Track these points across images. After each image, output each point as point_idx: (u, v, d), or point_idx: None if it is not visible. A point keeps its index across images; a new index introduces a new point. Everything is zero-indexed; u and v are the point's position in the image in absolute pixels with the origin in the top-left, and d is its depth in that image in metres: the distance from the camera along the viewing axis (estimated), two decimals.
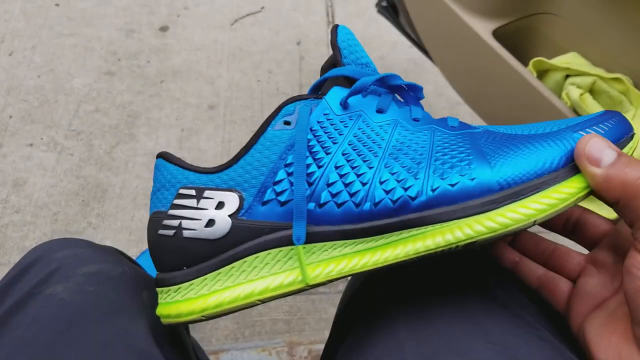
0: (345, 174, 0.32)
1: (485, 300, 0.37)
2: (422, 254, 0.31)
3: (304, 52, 1.44)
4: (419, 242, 0.31)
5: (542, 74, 0.75)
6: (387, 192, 0.32)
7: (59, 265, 0.43)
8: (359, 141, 0.33)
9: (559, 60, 0.73)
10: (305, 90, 1.35)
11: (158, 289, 0.35)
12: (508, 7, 0.77)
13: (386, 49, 1.43)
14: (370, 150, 0.33)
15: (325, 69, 0.38)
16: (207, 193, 0.33)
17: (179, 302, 0.33)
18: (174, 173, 0.34)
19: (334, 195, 0.32)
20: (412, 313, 0.37)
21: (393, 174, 0.32)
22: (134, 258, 1.03)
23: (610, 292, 0.35)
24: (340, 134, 0.33)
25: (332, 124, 0.33)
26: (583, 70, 0.70)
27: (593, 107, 0.67)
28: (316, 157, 0.32)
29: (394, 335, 0.35)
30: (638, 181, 0.28)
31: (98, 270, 0.43)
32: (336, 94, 0.34)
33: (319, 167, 0.32)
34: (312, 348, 0.99)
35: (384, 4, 1.12)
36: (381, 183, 0.32)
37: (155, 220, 0.34)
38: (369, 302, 0.42)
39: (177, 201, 0.33)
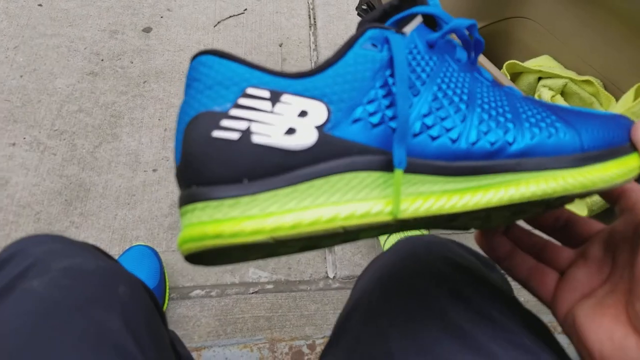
0: (441, 107, 0.30)
1: (468, 313, 0.40)
2: (516, 201, 0.30)
3: (286, 54, 1.46)
4: (512, 188, 0.30)
5: (515, 76, 0.78)
6: (484, 134, 0.31)
7: (35, 261, 0.43)
8: (450, 82, 0.31)
9: (532, 63, 0.76)
10: None
11: (191, 206, 0.27)
12: (483, 10, 0.79)
13: None
14: (462, 92, 0.31)
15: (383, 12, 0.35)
16: (285, 97, 0.28)
17: (235, 219, 0.26)
18: (238, 71, 0.28)
19: (429, 127, 0.30)
20: (403, 327, 0.39)
21: (490, 117, 0.31)
22: (116, 257, 1.04)
23: (599, 283, 0.37)
24: (431, 70, 0.31)
25: (422, 59, 0.31)
26: (555, 72, 0.73)
27: None
28: (416, 85, 0.30)
29: (385, 347, 0.38)
30: None
31: (73, 265, 0.43)
32: (423, 31, 0.32)
33: (414, 95, 0.30)
34: (293, 344, 1.01)
35: (364, 6, 1.14)
36: (479, 123, 0.31)
37: (207, 120, 0.27)
38: (366, 314, 0.44)
39: (243, 101, 0.27)
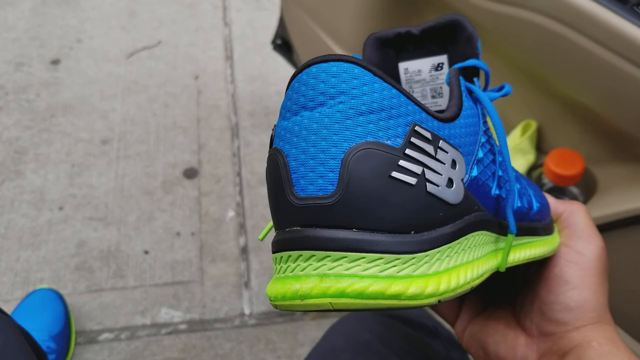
0: (504, 171, 0.31)
1: None
2: (536, 258, 0.35)
3: (202, 86, 1.44)
4: (537, 249, 0.35)
5: None
6: (529, 197, 0.35)
7: None
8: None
9: None
10: (203, 125, 1.35)
11: (354, 255, 0.24)
12: None
13: (283, 84, 1.46)
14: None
15: (382, 37, 0.34)
16: (442, 144, 0.25)
17: (412, 278, 0.24)
18: (401, 100, 0.25)
19: (523, 199, 0.34)
20: None
21: (522, 182, 0.36)
22: (17, 302, 0.99)
23: (483, 305, 0.42)
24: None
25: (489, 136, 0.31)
26: None
27: None
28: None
29: None
30: (575, 205, 0.40)
31: None
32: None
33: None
34: None
35: (279, 42, 1.15)
36: (524, 188, 0.35)
37: (385, 157, 0.24)
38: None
39: (414, 140, 0.25)
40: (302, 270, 0.24)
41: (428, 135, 0.25)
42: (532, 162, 0.71)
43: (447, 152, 0.26)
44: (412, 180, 0.24)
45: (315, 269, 0.24)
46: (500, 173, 0.30)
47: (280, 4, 1.02)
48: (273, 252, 0.26)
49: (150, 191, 1.21)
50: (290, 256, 0.25)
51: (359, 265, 0.23)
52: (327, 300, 0.23)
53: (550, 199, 0.41)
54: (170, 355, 1.00)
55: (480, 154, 0.28)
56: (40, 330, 0.91)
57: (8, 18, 1.53)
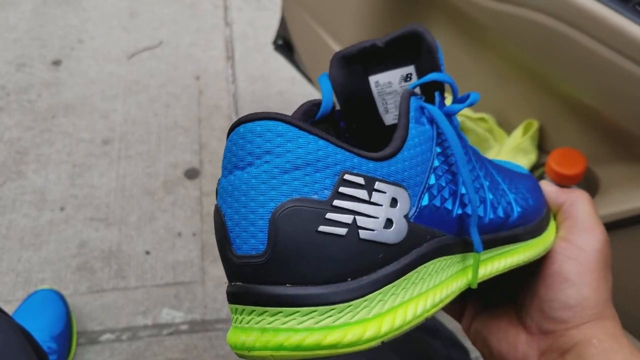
0: (477, 177, 0.32)
1: None
2: (522, 263, 0.35)
3: (203, 86, 1.44)
4: (521, 254, 0.35)
5: None
6: (507, 204, 0.35)
7: None
8: (469, 152, 0.32)
9: None
10: (204, 125, 1.35)
11: (289, 310, 0.25)
12: None
13: (285, 85, 1.46)
14: (477, 159, 0.33)
15: (346, 56, 0.34)
16: (378, 185, 0.26)
17: (349, 325, 0.24)
18: (329, 150, 0.25)
19: (492, 209, 0.33)
20: None
21: (497, 184, 0.35)
22: (19, 302, 0.99)
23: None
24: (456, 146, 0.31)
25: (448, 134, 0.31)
26: None
27: None
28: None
29: None
30: (577, 193, 0.39)
31: None
32: (440, 101, 0.32)
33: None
34: None
35: (280, 42, 1.15)
36: (510, 192, 0.35)
37: (309, 211, 0.24)
38: None
39: (343, 189, 0.25)
40: (247, 324, 0.25)
41: (360, 180, 0.25)
42: (534, 161, 0.70)
43: (384, 192, 0.26)
44: (342, 231, 0.24)
45: (257, 323, 0.25)
46: (463, 191, 0.30)
47: (281, 4, 1.01)
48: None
49: (152, 191, 1.21)
50: (236, 309, 0.26)
51: (295, 319, 0.24)
52: (268, 353, 0.24)
53: (551, 188, 0.40)
54: (172, 355, 1.00)
55: (432, 180, 0.28)
56: (42, 331, 0.91)
57: (9, 18, 1.53)
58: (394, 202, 0.26)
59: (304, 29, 0.93)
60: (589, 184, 0.66)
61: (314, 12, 0.87)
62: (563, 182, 0.64)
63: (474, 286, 0.30)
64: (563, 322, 0.34)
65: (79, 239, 1.13)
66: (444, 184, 0.29)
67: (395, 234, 0.26)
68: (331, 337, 0.24)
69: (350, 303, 0.25)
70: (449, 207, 0.29)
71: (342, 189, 0.25)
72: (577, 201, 0.38)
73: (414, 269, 0.27)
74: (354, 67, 0.33)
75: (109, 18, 1.58)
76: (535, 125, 0.70)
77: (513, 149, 0.69)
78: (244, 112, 1.38)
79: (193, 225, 1.17)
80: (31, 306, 0.97)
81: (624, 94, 0.54)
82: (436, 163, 0.29)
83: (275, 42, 1.15)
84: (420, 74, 0.32)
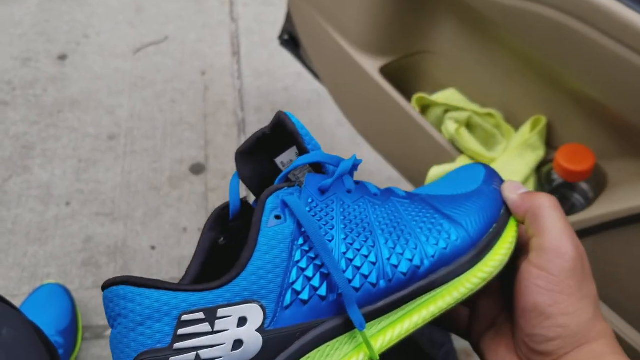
0: (354, 257, 0.32)
1: None
2: (436, 315, 0.34)
3: (209, 82, 1.44)
4: (432, 306, 0.34)
5: (425, 108, 0.80)
6: (395, 267, 0.33)
7: None
8: (350, 223, 0.33)
9: (439, 97, 0.78)
10: (209, 121, 1.35)
11: None
12: (393, 46, 0.81)
13: (290, 80, 1.46)
14: (364, 230, 0.33)
15: (244, 152, 0.36)
16: (221, 312, 0.28)
17: None
18: (163, 299, 0.28)
19: (350, 281, 0.31)
20: None
21: (393, 248, 0.33)
22: (24, 297, 0.99)
23: (498, 311, 0.40)
24: (332, 219, 0.33)
25: (320, 211, 0.33)
26: (460, 106, 0.75)
27: (468, 140, 0.71)
28: (324, 233, 0.32)
29: None
30: (542, 198, 0.36)
31: None
32: (314, 180, 0.34)
33: (329, 240, 0.32)
34: None
35: (286, 37, 1.14)
36: (388, 259, 0.33)
37: None
38: None
39: (182, 330, 0.27)
40: None
41: (200, 315, 0.28)
42: (542, 157, 0.70)
43: (230, 316, 0.28)
44: None
45: None
46: (316, 284, 0.31)
47: None
48: None
49: (157, 187, 1.21)
50: None
51: None
52: None
53: (511, 196, 0.38)
54: None
55: (294, 277, 0.30)
56: (48, 325, 0.92)
57: (15, 14, 1.53)
58: (242, 322, 0.28)
59: (310, 24, 0.93)
60: (597, 180, 0.66)
61: (320, 7, 0.86)
62: (571, 178, 0.64)
63: (376, 357, 0.31)
64: (548, 354, 0.34)
65: (84, 234, 1.13)
66: (311, 274, 0.30)
67: (246, 352, 0.28)
68: None
69: None
70: (323, 293, 0.30)
71: (181, 331, 0.27)
72: (540, 210, 0.36)
73: None
74: (259, 156, 0.35)
75: (114, 13, 1.57)
76: (543, 121, 0.70)
77: (520, 145, 0.69)
78: (249, 108, 1.38)
79: (199, 220, 1.17)
80: (37, 300, 0.97)
81: (633, 89, 0.54)
82: (298, 256, 0.30)
83: (281, 37, 1.14)
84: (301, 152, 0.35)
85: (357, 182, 0.37)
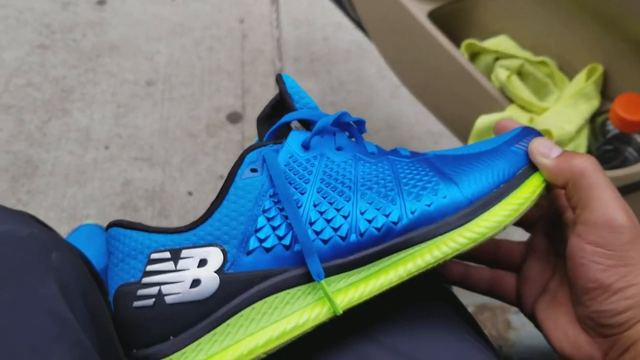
0: (325, 210, 0.33)
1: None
2: (414, 273, 0.32)
3: (247, 29, 1.42)
4: (409, 263, 0.32)
5: (474, 56, 0.77)
6: (370, 222, 0.33)
7: None
8: (330, 178, 0.34)
9: (490, 43, 0.75)
10: (247, 70, 1.33)
11: None
12: None
13: (330, 30, 1.43)
14: (343, 185, 0.34)
15: (263, 118, 0.38)
16: (184, 253, 0.31)
17: None
18: (139, 239, 0.32)
19: (318, 233, 0.32)
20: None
21: (371, 203, 0.33)
22: (64, 237, 1.01)
23: (549, 275, 0.38)
24: (309, 174, 0.34)
25: (299, 165, 0.34)
26: (511, 53, 0.72)
27: (519, 88, 0.68)
28: (293, 198, 0.33)
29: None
30: (582, 164, 0.33)
31: (5, 231, 0.41)
32: (296, 136, 0.35)
33: (298, 207, 0.33)
34: None
35: None
36: (362, 214, 0.33)
37: (126, 293, 0.31)
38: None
39: (150, 267, 0.31)
40: None
41: (166, 255, 0.31)
42: (596, 107, 0.67)
43: (192, 257, 0.31)
44: (150, 302, 0.31)
45: None
46: (281, 233, 0.33)
47: None
48: None
49: (195, 134, 1.21)
50: None
51: None
52: None
53: (543, 161, 0.35)
54: None
55: (262, 223, 0.32)
56: None
57: None
58: (202, 263, 0.31)
59: None
60: None
61: None
62: (628, 128, 0.61)
63: (339, 312, 0.31)
64: (618, 326, 0.32)
65: (123, 177, 1.14)
66: (277, 224, 0.32)
67: (202, 291, 0.31)
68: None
69: (170, 357, 0.30)
70: (287, 243, 0.32)
71: (149, 267, 0.31)
72: (583, 178, 0.32)
73: (236, 314, 0.31)
74: (277, 120, 0.37)
75: None
76: (599, 69, 0.67)
77: (575, 94, 0.66)
78: (287, 58, 1.36)
79: None
80: (77, 239, 0.99)
81: None
82: (267, 206, 0.32)
83: None
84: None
85: (359, 142, 0.38)
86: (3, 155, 1.14)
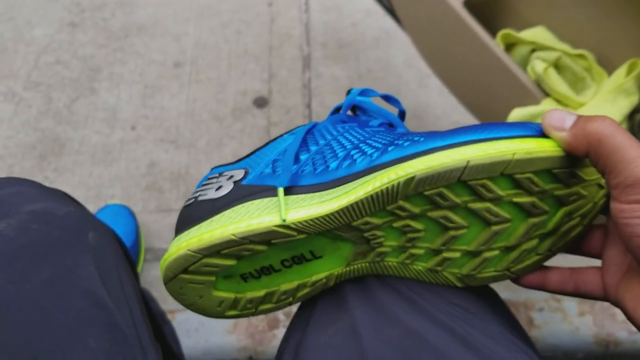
0: (326, 156, 0.40)
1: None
2: (372, 192, 0.34)
3: (275, 14, 1.41)
4: (369, 186, 0.35)
5: (509, 46, 0.75)
6: (345, 158, 0.39)
7: (3, 202, 0.41)
8: (343, 136, 0.41)
9: (526, 34, 0.73)
10: (274, 54, 1.33)
11: (178, 235, 0.40)
12: None
13: (359, 16, 1.41)
14: (348, 140, 0.41)
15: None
16: (225, 172, 0.42)
17: (179, 239, 0.38)
18: (214, 171, 0.43)
19: (314, 166, 0.39)
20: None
21: (366, 147, 0.38)
22: None
23: (627, 255, 0.36)
24: (329, 134, 0.42)
25: (327, 130, 0.43)
26: (549, 44, 0.71)
27: (556, 81, 0.67)
28: (308, 147, 0.41)
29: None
30: (597, 129, 0.31)
31: (43, 209, 0.41)
32: (330, 117, 0.46)
33: (307, 151, 0.41)
34: None
35: None
36: (355, 153, 0.38)
37: (189, 199, 0.41)
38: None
39: (207, 183, 0.42)
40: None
41: (215, 174, 0.42)
42: (636, 104, 0.65)
43: (226, 175, 0.41)
44: (191, 201, 0.40)
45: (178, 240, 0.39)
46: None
47: None
48: None
49: (221, 117, 1.21)
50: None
51: (176, 238, 0.39)
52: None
53: (558, 135, 0.33)
54: None
55: (275, 157, 0.41)
56: None
57: None
58: (230, 178, 0.41)
59: None
60: None
61: None
62: None
63: (283, 217, 0.36)
64: None
65: (149, 158, 1.14)
66: (281, 159, 0.41)
67: (219, 192, 0.39)
68: (192, 237, 0.37)
69: (200, 225, 0.38)
70: (279, 170, 0.40)
71: (203, 182, 0.42)
72: (602, 146, 0.31)
73: (229, 208, 0.38)
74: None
75: None
76: None
77: (614, 90, 0.64)
78: (315, 43, 1.35)
79: None
80: (103, 218, 0.99)
81: None
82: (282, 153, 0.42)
83: None
84: None
85: (366, 121, 0.45)
86: (31, 132, 1.15)
